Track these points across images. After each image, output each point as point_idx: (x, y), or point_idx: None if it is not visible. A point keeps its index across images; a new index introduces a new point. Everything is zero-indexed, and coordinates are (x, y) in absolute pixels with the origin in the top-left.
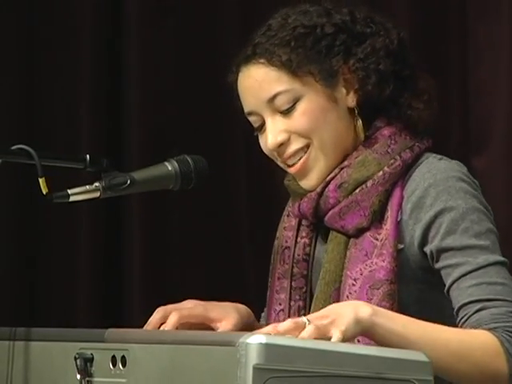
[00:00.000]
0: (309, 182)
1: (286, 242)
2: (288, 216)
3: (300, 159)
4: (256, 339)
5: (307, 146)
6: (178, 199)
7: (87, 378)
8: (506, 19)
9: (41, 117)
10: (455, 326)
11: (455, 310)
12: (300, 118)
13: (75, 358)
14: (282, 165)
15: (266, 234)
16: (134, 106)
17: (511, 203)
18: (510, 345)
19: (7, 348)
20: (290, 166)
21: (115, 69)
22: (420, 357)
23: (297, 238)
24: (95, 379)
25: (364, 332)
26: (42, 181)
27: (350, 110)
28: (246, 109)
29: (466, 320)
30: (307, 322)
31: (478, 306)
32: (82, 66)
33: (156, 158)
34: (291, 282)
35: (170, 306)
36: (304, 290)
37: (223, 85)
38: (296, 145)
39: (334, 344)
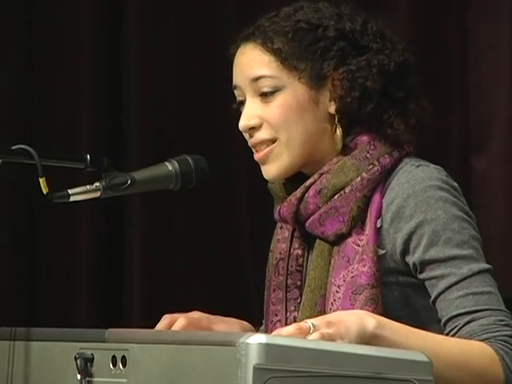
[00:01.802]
0: (267, 172)
1: (280, 253)
2: (281, 228)
3: (265, 148)
4: (256, 339)
5: (274, 140)
6: (178, 199)
7: (87, 378)
8: (506, 19)
9: (41, 117)
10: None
11: (443, 321)
12: (275, 108)
13: (75, 358)
14: (250, 146)
15: (265, 233)
16: (134, 106)
17: (511, 203)
18: (505, 353)
19: (7, 348)
20: (256, 151)
21: (115, 68)
22: (420, 357)
23: (290, 249)
24: (95, 379)
25: (367, 343)
26: (42, 181)
27: (331, 116)
28: (234, 82)
29: (456, 332)
30: (312, 327)
31: (467, 318)
32: (82, 66)
33: (156, 157)
34: (286, 294)
35: (176, 315)
36: (299, 300)
37: (223, 83)
38: (264, 134)
39: (335, 344)
